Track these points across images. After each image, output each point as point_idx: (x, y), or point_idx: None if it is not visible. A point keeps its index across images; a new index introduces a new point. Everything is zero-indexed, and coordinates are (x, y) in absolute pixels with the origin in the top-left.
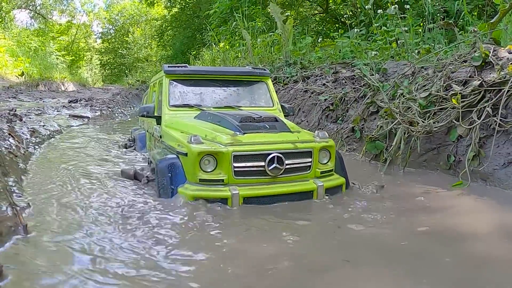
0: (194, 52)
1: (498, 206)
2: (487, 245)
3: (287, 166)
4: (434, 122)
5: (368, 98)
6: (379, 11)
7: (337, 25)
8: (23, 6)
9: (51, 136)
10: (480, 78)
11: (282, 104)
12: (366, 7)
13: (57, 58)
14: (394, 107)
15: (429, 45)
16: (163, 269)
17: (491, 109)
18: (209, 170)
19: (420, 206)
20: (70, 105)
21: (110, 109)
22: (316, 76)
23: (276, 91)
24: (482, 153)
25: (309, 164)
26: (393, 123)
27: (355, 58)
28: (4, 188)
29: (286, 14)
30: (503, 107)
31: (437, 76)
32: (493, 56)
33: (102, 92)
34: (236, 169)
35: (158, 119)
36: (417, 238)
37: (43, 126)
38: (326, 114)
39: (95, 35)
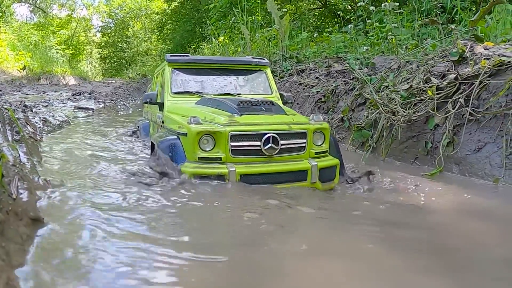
0: (194, 46)
1: (464, 189)
2: (440, 217)
3: (282, 146)
4: (414, 112)
5: (357, 90)
6: (371, 7)
7: (335, 20)
8: (23, 0)
9: (60, 125)
10: (456, 72)
11: (281, 92)
12: (359, 4)
13: (57, 52)
14: (378, 98)
15: (417, 40)
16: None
17: (464, 100)
18: (207, 149)
19: (390, 186)
20: (75, 98)
21: (113, 102)
22: (310, 70)
23: None
24: (456, 140)
25: (304, 145)
26: (377, 113)
27: (348, 52)
28: (33, 165)
29: (284, 10)
30: (475, 98)
31: (419, 70)
32: (470, 52)
33: (103, 86)
34: (233, 148)
35: (161, 106)
36: (381, 211)
37: (53, 116)
38: (318, 106)
39: (95, 29)
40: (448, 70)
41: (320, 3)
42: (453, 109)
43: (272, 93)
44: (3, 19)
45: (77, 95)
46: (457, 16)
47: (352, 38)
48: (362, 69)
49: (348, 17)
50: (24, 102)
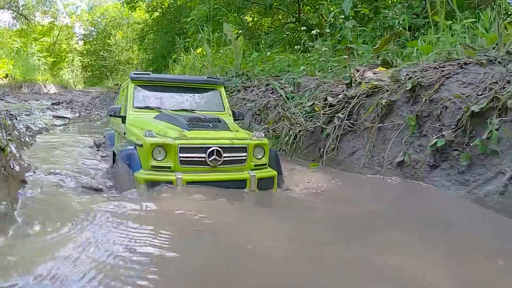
0: (174, 56)
1: (337, 181)
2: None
3: (225, 159)
4: (313, 124)
5: (279, 106)
6: (313, 31)
7: (308, 34)
8: (5, 6)
9: (40, 132)
10: (344, 93)
11: (233, 109)
12: (302, 30)
13: (38, 59)
14: (288, 113)
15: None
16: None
17: (346, 115)
18: (159, 159)
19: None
20: (53, 107)
21: (88, 111)
22: (254, 86)
23: None
24: (338, 146)
25: (244, 158)
26: (283, 124)
27: (289, 71)
28: (20, 155)
29: (239, 31)
30: (356, 113)
31: (326, 89)
32: (360, 76)
33: (83, 95)
34: (181, 159)
35: (123, 119)
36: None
37: (33, 124)
38: (255, 118)
39: (77, 36)
40: (342, 91)
41: (294, 18)
42: (338, 122)
43: (224, 110)
44: None
45: (56, 104)
46: (417, 33)
47: (296, 58)
48: (285, 87)
49: (318, 31)
50: (10, 111)
